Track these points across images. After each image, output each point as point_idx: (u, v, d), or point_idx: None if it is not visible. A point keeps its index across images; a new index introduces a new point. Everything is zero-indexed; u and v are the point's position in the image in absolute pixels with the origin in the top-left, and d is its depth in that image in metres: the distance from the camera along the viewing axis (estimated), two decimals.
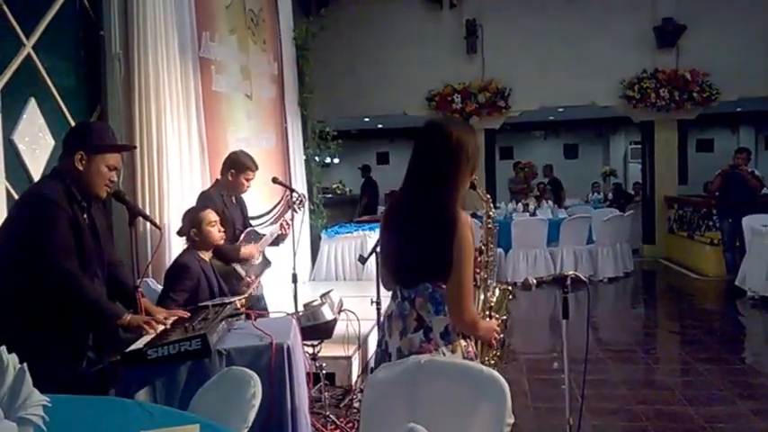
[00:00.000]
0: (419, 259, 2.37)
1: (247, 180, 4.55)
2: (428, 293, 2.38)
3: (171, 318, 3.08)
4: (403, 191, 2.45)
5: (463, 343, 2.40)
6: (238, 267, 4.44)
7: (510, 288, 2.66)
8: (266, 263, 4.71)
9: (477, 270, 2.54)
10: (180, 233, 3.94)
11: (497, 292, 2.62)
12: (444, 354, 2.35)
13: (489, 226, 2.58)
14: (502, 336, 2.57)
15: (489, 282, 2.58)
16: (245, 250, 4.44)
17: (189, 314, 3.16)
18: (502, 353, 2.60)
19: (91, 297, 2.78)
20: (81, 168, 2.85)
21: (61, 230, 2.73)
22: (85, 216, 2.88)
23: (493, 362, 2.51)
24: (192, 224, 3.83)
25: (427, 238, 2.33)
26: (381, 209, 13.78)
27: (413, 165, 2.42)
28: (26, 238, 2.71)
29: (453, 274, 2.30)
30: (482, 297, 2.56)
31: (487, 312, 2.56)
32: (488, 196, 2.63)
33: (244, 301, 3.73)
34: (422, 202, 2.36)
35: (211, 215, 3.87)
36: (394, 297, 2.51)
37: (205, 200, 4.41)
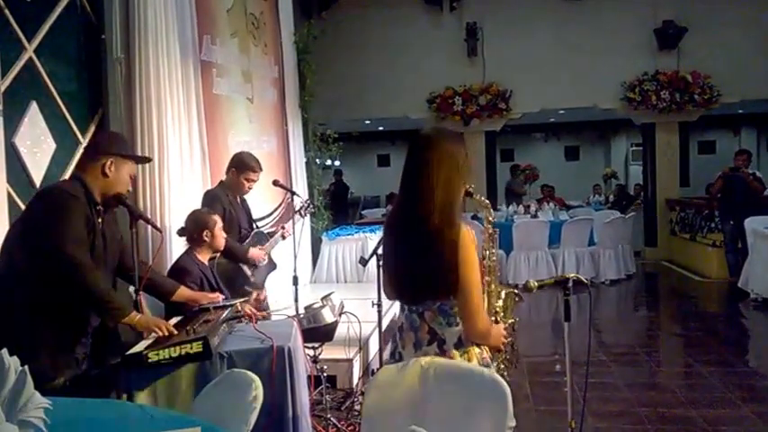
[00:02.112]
0: (425, 279, 2.33)
1: (248, 181, 4.56)
2: (436, 307, 2.36)
3: (173, 319, 3.08)
4: (399, 203, 2.41)
5: (477, 350, 2.40)
6: (245, 268, 4.46)
7: (516, 291, 2.66)
8: (272, 265, 4.73)
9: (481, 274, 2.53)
10: (182, 233, 3.94)
11: (503, 296, 2.61)
12: None
13: (490, 231, 2.57)
14: (510, 339, 2.56)
15: (493, 286, 2.57)
16: (253, 253, 4.46)
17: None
18: (511, 356, 2.59)
19: (100, 289, 2.78)
20: (109, 174, 2.93)
21: (77, 222, 2.76)
22: (100, 220, 2.90)
23: (503, 365, 2.51)
24: (203, 226, 3.85)
25: (430, 256, 2.28)
26: (374, 212, 13.78)
27: (406, 177, 2.37)
28: (41, 226, 2.74)
29: (463, 288, 2.27)
30: (488, 302, 2.55)
31: (493, 318, 2.55)
32: (487, 201, 2.61)
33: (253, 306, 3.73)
34: (420, 218, 2.30)
35: (219, 220, 3.92)
36: (402, 309, 2.49)
37: (211, 198, 4.43)
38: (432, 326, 2.38)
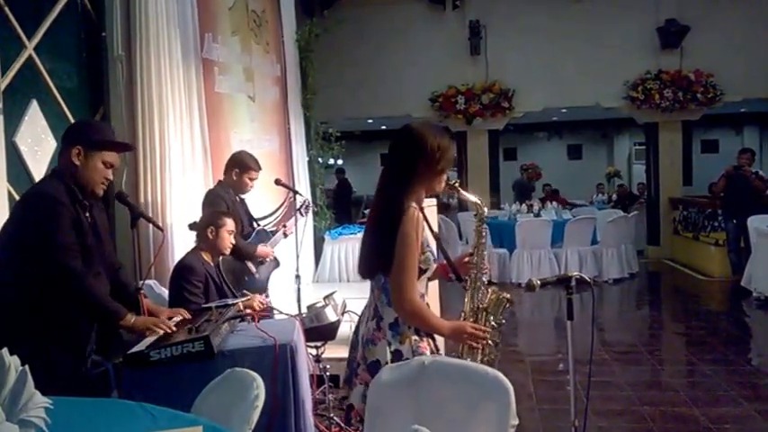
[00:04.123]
0: (369, 250, 2.51)
1: (251, 180, 4.58)
2: (381, 284, 2.48)
3: (175, 318, 3.07)
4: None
5: (414, 337, 2.45)
6: (250, 265, 4.46)
7: (508, 297, 2.62)
8: (275, 263, 4.72)
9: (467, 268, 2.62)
10: (193, 227, 3.92)
11: (492, 296, 2.59)
12: (391, 344, 2.43)
13: (479, 228, 2.64)
14: (492, 341, 2.54)
15: (479, 283, 2.59)
16: (261, 250, 4.48)
17: (190, 315, 3.15)
18: (493, 357, 2.55)
19: (95, 295, 2.78)
20: (77, 163, 2.84)
21: (65, 228, 2.72)
22: (88, 215, 2.87)
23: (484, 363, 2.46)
24: (212, 222, 3.83)
25: (376, 230, 2.48)
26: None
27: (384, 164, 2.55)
28: (29, 236, 2.70)
29: (394, 264, 2.38)
30: (468, 296, 2.59)
31: (473, 314, 2.56)
32: (475, 198, 2.67)
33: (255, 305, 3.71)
34: (378, 196, 2.50)
35: (232, 224, 3.89)
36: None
37: (214, 197, 4.42)
38: (377, 303, 2.50)
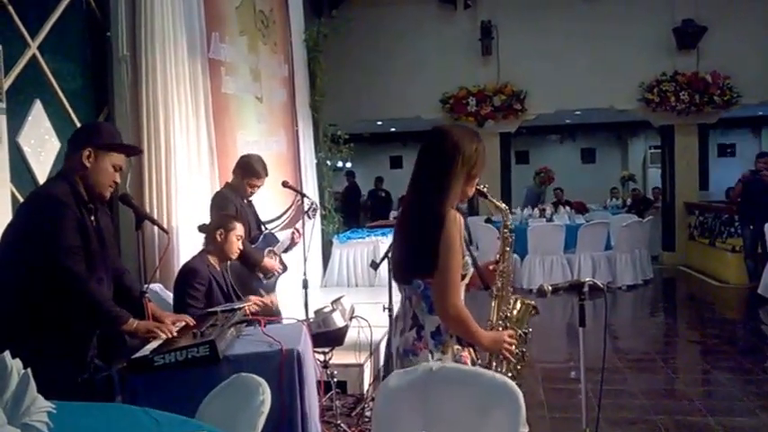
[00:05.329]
0: (409, 255, 2.45)
1: (251, 186, 4.54)
2: (421, 291, 2.41)
3: (178, 323, 3.03)
4: (407, 193, 2.51)
5: (456, 346, 2.40)
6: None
7: (533, 304, 2.61)
8: (283, 268, 4.68)
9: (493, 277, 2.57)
10: (202, 229, 3.89)
11: (519, 305, 2.57)
12: (433, 353, 2.37)
13: (506, 236, 2.58)
14: (519, 351, 2.52)
15: (504, 292, 2.55)
16: (267, 263, 4.44)
17: (195, 321, 3.11)
18: (519, 368, 2.52)
19: (96, 299, 2.75)
20: (88, 165, 2.81)
21: (68, 231, 2.70)
22: (93, 218, 2.84)
23: (510, 375, 2.43)
24: (221, 225, 3.82)
25: (416, 234, 2.39)
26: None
27: (414, 168, 2.48)
28: (33, 237, 2.68)
29: (438, 268, 2.32)
30: (495, 305, 2.54)
31: (500, 323, 2.52)
32: (505, 206, 2.63)
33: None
34: (415, 201, 2.45)
35: (240, 230, 3.87)
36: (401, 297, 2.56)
37: (222, 199, 4.40)
38: (415, 311, 2.43)
